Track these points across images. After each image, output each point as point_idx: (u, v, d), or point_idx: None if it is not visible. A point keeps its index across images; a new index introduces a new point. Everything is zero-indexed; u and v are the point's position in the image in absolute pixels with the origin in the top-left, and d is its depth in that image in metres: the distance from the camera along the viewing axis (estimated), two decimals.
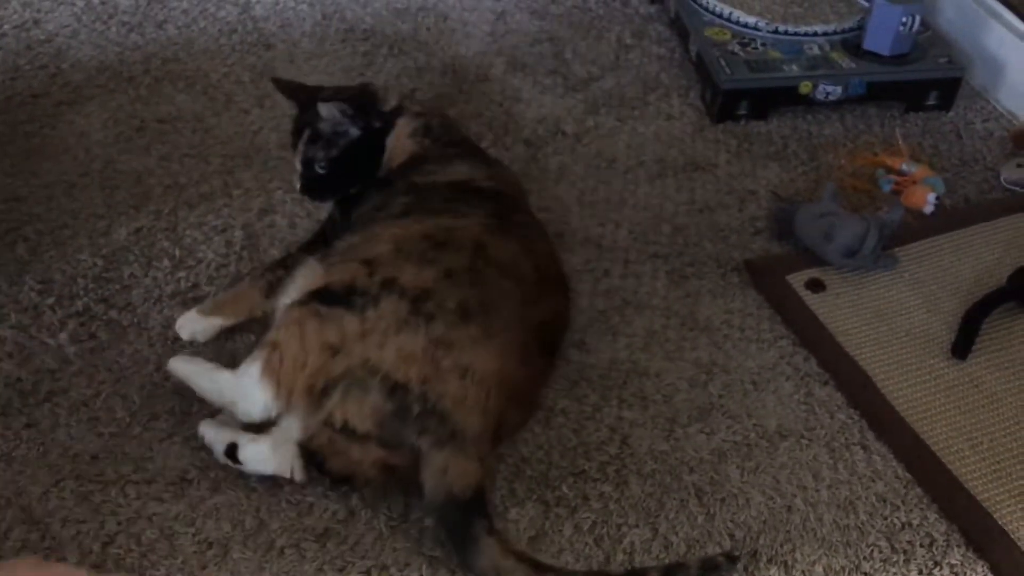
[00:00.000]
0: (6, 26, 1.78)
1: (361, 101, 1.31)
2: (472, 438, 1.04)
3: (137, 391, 1.18)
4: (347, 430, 1.03)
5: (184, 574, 1.02)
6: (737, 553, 1.06)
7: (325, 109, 1.27)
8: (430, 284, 1.08)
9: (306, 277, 1.15)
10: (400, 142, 1.33)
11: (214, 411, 1.14)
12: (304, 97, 1.34)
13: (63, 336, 1.24)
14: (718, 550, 1.06)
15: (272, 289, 1.23)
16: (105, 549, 1.03)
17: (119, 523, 1.05)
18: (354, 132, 1.29)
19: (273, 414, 1.07)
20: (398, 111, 1.34)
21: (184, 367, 1.14)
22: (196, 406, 1.16)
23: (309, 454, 1.06)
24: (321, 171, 1.29)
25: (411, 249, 1.12)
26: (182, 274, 1.34)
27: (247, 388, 1.07)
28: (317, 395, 1.04)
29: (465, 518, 1.01)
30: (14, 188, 1.45)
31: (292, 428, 1.06)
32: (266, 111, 1.64)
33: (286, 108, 1.63)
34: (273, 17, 1.86)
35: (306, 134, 1.30)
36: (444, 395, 1.03)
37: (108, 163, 1.52)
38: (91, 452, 1.12)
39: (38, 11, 1.83)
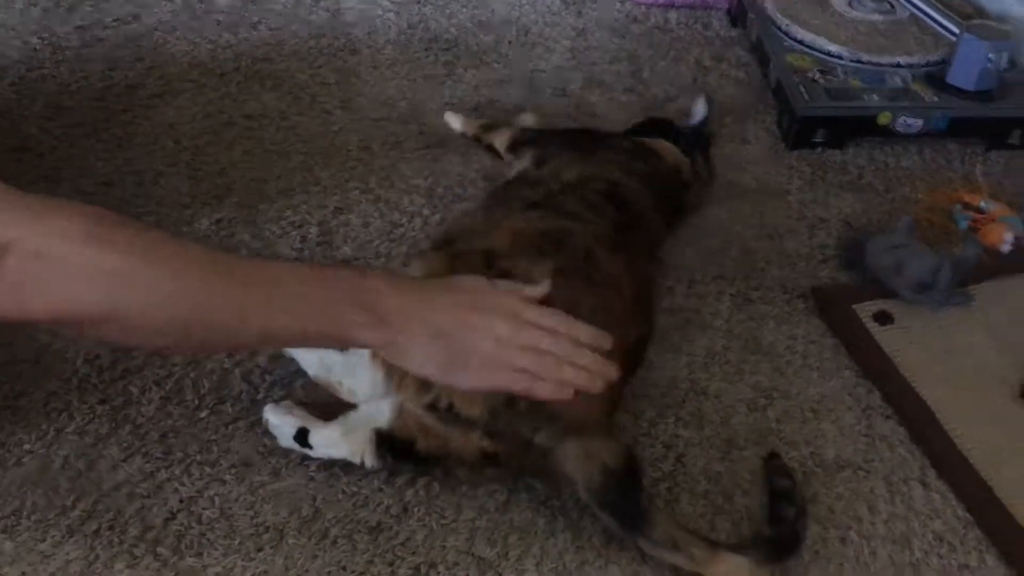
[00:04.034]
0: (108, 19, 1.86)
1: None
2: (593, 423, 1.05)
3: (207, 376, 1.22)
4: (452, 413, 1.04)
5: (240, 555, 1.04)
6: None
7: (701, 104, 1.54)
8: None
9: (424, 266, 1.17)
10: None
11: (279, 398, 1.18)
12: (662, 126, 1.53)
13: None
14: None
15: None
16: (167, 525, 1.07)
17: (181, 501, 1.09)
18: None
19: (380, 393, 1.08)
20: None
21: None
22: (262, 393, 1.20)
23: (391, 440, 1.08)
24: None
25: (528, 243, 1.15)
26: None
27: (357, 367, 1.10)
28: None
29: (629, 493, 1.03)
30: (107, 174, 1.52)
31: (379, 413, 1.08)
32: (348, 113, 1.68)
33: (368, 111, 1.69)
34: (361, 23, 1.91)
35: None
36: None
37: (195, 155, 1.57)
38: (160, 431, 1.16)
39: (139, 6, 1.91)
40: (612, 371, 0.98)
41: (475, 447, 1.06)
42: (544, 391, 0.94)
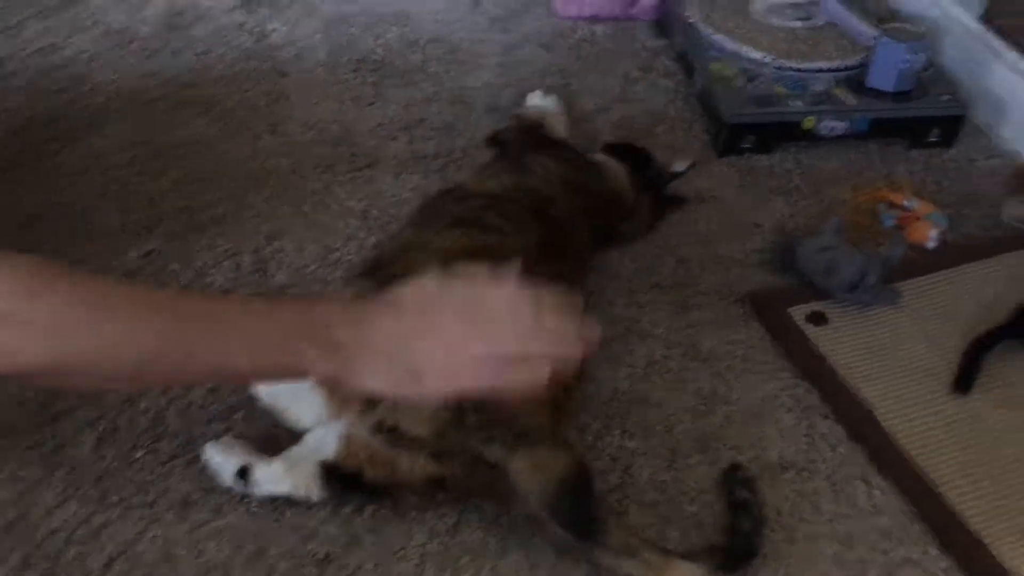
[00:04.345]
0: (27, 50, 1.82)
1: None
2: (544, 433, 1.05)
3: (142, 414, 1.19)
4: (397, 434, 1.03)
5: None
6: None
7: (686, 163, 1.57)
8: None
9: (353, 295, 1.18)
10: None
11: (218, 433, 1.16)
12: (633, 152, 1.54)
13: None
14: None
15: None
16: (106, 570, 1.04)
17: (120, 544, 1.06)
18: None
19: (325, 419, 1.08)
20: None
21: None
22: (200, 429, 1.17)
23: (338, 472, 1.07)
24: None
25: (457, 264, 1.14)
26: None
27: (301, 393, 1.09)
28: (371, 400, 1.04)
29: (582, 502, 1.03)
30: (32, 208, 1.48)
31: (324, 446, 1.07)
32: (278, 137, 1.66)
33: (298, 134, 1.67)
34: (288, 46, 1.89)
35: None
36: (499, 405, 1.02)
37: (123, 185, 1.54)
38: (95, 474, 1.13)
39: (58, 36, 1.86)
40: (590, 326, 0.88)
41: (422, 472, 1.05)
42: (510, 378, 0.85)
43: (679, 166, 1.51)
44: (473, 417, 1.02)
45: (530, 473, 1.03)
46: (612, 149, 1.53)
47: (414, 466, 1.05)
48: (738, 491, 1.13)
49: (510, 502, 1.07)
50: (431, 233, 1.25)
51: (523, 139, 1.51)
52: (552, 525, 1.04)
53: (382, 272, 1.18)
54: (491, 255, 1.17)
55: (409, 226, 1.35)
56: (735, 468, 1.16)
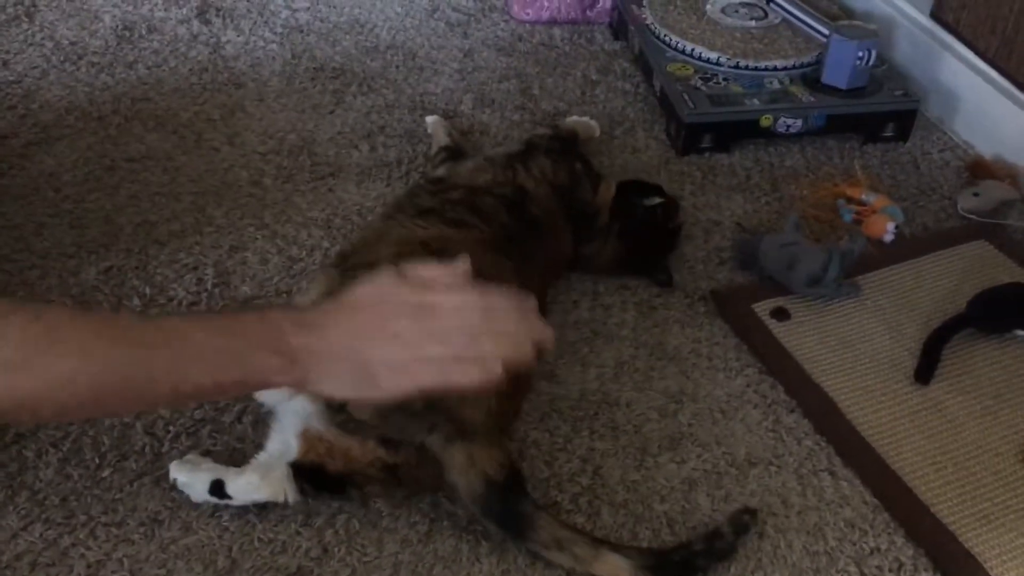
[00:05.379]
0: None
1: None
2: (483, 429, 1.06)
3: (106, 432, 1.18)
4: (346, 417, 1.04)
5: None
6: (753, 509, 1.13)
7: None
8: None
9: (322, 282, 1.19)
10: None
11: (185, 449, 1.14)
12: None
13: None
14: None
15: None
16: None
17: (88, 566, 1.05)
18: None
19: (287, 398, 1.08)
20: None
21: None
22: (167, 445, 1.16)
23: (303, 470, 1.07)
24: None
25: (410, 254, 1.16)
26: (153, 311, 1.34)
27: None
28: None
29: (510, 499, 1.04)
30: None
31: (288, 447, 1.08)
32: (236, 149, 1.65)
33: (257, 145, 1.66)
34: (243, 56, 1.88)
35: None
36: (444, 395, 1.00)
37: (78, 203, 1.52)
38: (60, 495, 1.11)
39: (7, 52, 1.83)
40: (543, 330, 0.89)
41: (373, 457, 1.06)
42: (464, 375, 0.86)
43: (650, 200, 1.44)
44: (419, 403, 1.03)
45: (464, 466, 1.04)
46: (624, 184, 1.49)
47: (365, 451, 1.06)
48: (726, 526, 1.10)
49: (453, 497, 1.08)
50: (395, 224, 1.28)
51: (551, 144, 1.52)
52: (482, 519, 1.06)
53: (347, 262, 1.21)
54: (446, 246, 1.18)
55: (381, 216, 1.38)
56: (748, 512, 1.13)
